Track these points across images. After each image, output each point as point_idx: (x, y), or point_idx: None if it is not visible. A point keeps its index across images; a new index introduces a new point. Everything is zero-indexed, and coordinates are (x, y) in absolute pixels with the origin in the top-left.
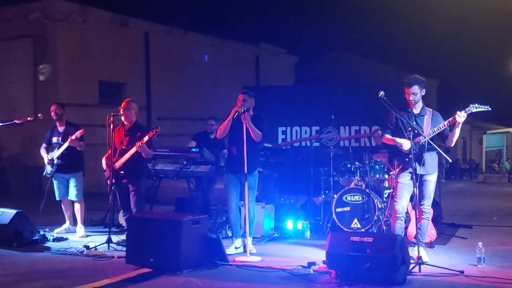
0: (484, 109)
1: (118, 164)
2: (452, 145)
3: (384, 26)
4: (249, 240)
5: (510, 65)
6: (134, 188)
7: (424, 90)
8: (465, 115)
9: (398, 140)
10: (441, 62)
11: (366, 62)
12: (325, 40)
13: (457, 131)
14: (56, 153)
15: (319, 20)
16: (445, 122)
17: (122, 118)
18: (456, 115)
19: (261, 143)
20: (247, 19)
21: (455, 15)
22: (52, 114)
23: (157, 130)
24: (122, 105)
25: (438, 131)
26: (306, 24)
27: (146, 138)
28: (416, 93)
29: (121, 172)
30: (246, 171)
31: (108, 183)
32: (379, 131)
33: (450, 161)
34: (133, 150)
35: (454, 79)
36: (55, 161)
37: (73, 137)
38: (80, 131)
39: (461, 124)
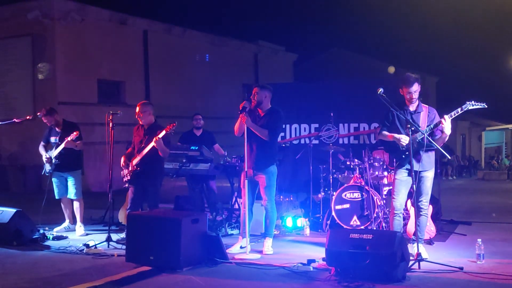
0: (480, 107)
1: (135, 161)
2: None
3: (383, 23)
4: (268, 241)
5: (509, 61)
6: (151, 187)
7: (419, 86)
8: (449, 119)
9: (397, 135)
10: (439, 59)
11: (365, 60)
12: (323, 38)
13: (445, 136)
14: (54, 152)
15: (317, 17)
16: (432, 125)
17: (140, 122)
18: (443, 118)
19: (273, 139)
20: (246, 17)
21: (454, 12)
22: (47, 123)
23: (174, 124)
24: (138, 109)
25: (427, 133)
26: (305, 22)
27: (163, 133)
28: (417, 91)
29: (137, 168)
30: (247, 168)
31: (124, 180)
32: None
33: (449, 157)
34: (151, 145)
35: (453, 76)
36: (53, 161)
37: (69, 138)
38: (75, 133)
39: (448, 128)
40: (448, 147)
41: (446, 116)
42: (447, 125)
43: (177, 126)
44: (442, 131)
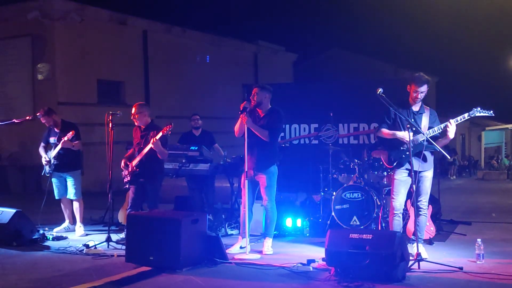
0: (487, 114)
1: (134, 162)
2: (441, 146)
3: (383, 23)
4: (268, 241)
5: (509, 61)
6: (150, 187)
7: (427, 89)
8: (455, 124)
9: (399, 133)
10: (439, 59)
11: (365, 60)
12: (323, 38)
13: (448, 138)
14: (52, 153)
15: (317, 17)
16: (437, 128)
17: (136, 123)
18: (448, 122)
19: (273, 139)
20: (246, 17)
21: (454, 12)
22: (46, 123)
23: (170, 126)
24: (133, 111)
25: (432, 134)
26: (305, 22)
27: (160, 134)
28: (424, 92)
29: (137, 170)
30: (247, 169)
31: (125, 181)
32: None
33: (449, 158)
34: (148, 147)
35: (452, 76)
36: (52, 161)
37: (65, 138)
38: (71, 133)
39: (452, 133)
40: (448, 147)
41: (452, 121)
42: (452, 129)
43: (177, 126)
44: (445, 135)
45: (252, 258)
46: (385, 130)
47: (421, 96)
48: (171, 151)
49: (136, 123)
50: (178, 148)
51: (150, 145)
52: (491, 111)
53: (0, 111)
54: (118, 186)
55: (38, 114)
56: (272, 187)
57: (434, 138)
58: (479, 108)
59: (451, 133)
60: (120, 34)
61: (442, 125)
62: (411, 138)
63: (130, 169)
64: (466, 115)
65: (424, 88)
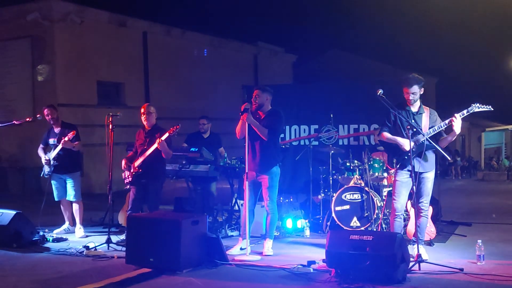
0: (486, 109)
1: (137, 163)
2: (444, 146)
3: (382, 24)
4: (269, 242)
5: (509, 62)
6: (152, 188)
7: (422, 89)
8: (460, 118)
9: (400, 140)
10: (439, 60)
11: (364, 61)
12: (323, 39)
13: (454, 135)
14: (52, 154)
15: (317, 18)
16: (442, 123)
17: (144, 122)
18: (453, 117)
19: (274, 139)
20: (245, 19)
21: (453, 13)
22: (48, 119)
23: (178, 127)
24: (143, 110)
25: (435, 132)
26: (304, 23)
27: (166, 135)
28: (415, 93)
29: (139, 170)
30: (247, 169)
31: (125, 182)
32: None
33: (449, 159)
34: (154, 146)
35: (452, 77)
36: (52, 162)
37: (66, 138)
38: (71, 132)
39: (458, 127)
40: (449, 149)
41: (457, 115)
42: (457, 123)
43: (179, 128)
44: (451, 131)
45: (253, 259)
46: (386, 134)
47: (412, 97)
48: (172, 152)
49: (144, 122)
50: (178, 149)
51: (155, 145)
52: (490, 106)
53: (0, 113)
54: (119, 188)
55: (38, 115)
56: (274, 188)
57: (440, 136)
58: (477, 104)
59: (457, 127)
60: (120, 36)
61: (447, 121)
62: (412, 138)
63: (132, 169)
64: (465, 111)
65: (414, 89)
